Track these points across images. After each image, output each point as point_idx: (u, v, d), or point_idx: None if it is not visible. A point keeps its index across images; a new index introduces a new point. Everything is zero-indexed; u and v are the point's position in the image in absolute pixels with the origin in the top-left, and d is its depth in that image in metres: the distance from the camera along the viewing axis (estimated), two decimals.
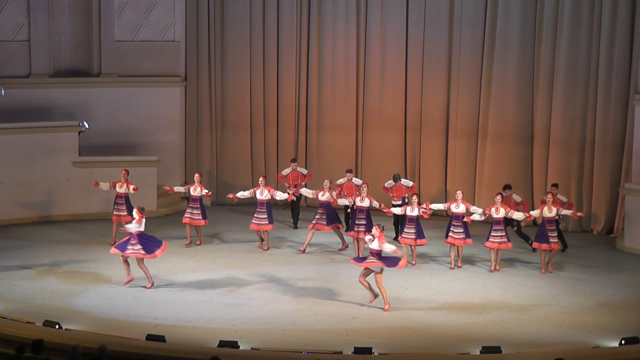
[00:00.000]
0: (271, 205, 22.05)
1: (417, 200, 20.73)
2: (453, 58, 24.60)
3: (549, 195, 20.61)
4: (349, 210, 21.93)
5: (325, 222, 21.47)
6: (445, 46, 24.65)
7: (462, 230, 20.44)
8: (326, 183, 21.72)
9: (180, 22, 25.88)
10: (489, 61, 24.15)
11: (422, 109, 25.12)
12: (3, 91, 23.66)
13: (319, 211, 21.61)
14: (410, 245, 20.72)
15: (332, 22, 25.43)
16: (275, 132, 26.12)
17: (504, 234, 20.26)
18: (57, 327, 15.36)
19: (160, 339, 14.81)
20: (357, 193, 21.47)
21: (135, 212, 19.05)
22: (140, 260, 18.84)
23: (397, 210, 21.11)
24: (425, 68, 24.94)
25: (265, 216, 21.62)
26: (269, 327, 16.86)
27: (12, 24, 24.91)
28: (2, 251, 21.29)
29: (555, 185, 21.59)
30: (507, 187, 21.56)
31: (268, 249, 21.76)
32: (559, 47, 23.41)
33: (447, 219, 21.37)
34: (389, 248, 17.86)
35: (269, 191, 21.71)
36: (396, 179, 22.09)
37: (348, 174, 22.26)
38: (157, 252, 18.98)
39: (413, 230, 20.58)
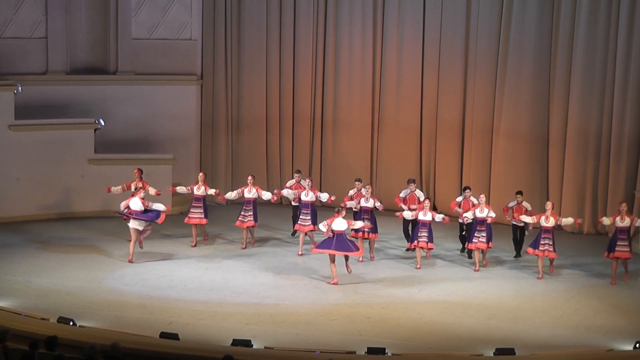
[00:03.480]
0: (257, 203, 22.00)
1: (429, 205, 20.80)
2: (469, 59, 24.48)
3: (623, 205, 20.25)
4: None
5: (309, 222, 21.37)
6: (461, 47, 24.55)
7: (485, 234, 20.46)
8: (308, 182, 21.72)
9: (197, 21, 25.91)
10: (504, 63, 24.01)
11: (438, 110, 25.03)
12: (20, 88, 23.74)
13: (303, 211, 21.47)
14: (423, 249, 20.77)
15: (349, 21, 25.38)
16: (291, 132, 26.10)
17: (551, 243, 20.07)
18: (71, 323, 15.41)
19: (174, 336, 14.84)
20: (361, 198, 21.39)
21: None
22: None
23: (408, 215, 21.04)
24: (442, 69, 24.86)
25: (251, 213, 21.68)
26: (282, 326, 16.88)
27: (29, 21, 24.98)
28: (18, 247, 21.37)
29: (519, 192, 21.27)
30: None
31: (254, 244, 21.99)
32: (575, 49, 23.23)
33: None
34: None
35: (256, 190, 21.84)
36: (410, 181, 21.76)
37: (357, 184, 21.78)
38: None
39: (425, 234, 20.56)
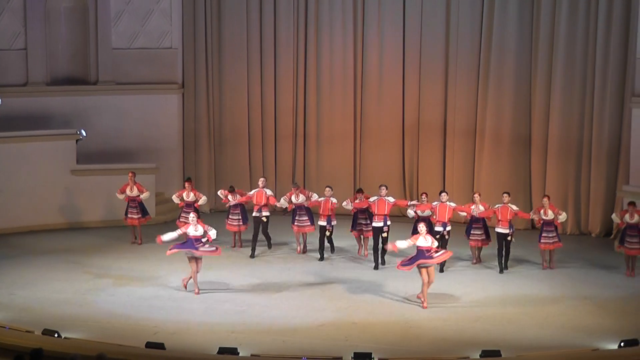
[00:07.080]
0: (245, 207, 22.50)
1: (426, 199, 20.86)
2: (450, 64, 24.62)
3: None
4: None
5: (308, 223, 21.71)
6: (442, 52, 24.66)
7: (482, 232, 20.80)
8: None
9: (177, 29, 25.87)
10: (486, 67, 24.15)
11: (420, 115, 25.12)
12: (0, 100, 23.66)
13: (299, 212, 21.66)
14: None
15: (329, 28, 25.40)
16: (273, 139, 26.09)
17: (555, 234, 20.50)
18: (56, 335, 15.35)
19: (160, 346, 14.79)
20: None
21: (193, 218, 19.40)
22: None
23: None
24: (423, 74, 24.95)
25: (239, 217, 22.14)
26: (269, 333, 16.86)
27: (8, 32, 24.91)
28: (1, 260, 21.27)
29: (507, 192, 21.04)
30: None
31: (242, 246, 22.36)
32: (556, 52, 23.42)
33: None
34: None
35: (239, 194, 22.29)
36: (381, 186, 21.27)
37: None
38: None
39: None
